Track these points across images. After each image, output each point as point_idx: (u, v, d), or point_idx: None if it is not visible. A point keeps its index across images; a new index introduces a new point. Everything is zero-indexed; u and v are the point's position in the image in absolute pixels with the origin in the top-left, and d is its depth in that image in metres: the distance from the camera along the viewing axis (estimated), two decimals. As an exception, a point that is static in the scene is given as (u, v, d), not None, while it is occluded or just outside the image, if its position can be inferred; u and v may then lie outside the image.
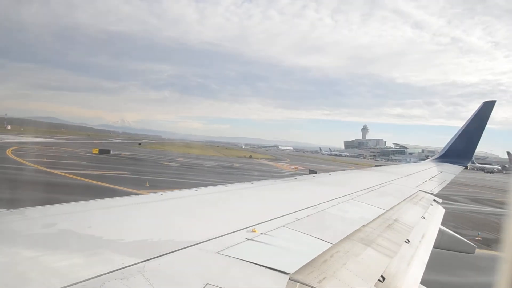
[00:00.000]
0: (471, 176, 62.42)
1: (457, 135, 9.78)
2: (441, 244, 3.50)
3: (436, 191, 5.22)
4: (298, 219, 2.18)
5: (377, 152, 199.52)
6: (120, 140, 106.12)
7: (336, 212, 2.63)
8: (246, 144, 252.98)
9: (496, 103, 9.36)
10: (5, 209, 1.73)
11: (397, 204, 3.46)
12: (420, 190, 4.81)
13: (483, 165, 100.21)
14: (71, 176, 20.35)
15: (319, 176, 5.20)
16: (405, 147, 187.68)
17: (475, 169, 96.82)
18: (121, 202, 2.16)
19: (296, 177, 4.66)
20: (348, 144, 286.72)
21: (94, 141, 78.98)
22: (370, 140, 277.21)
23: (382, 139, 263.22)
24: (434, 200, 4.43)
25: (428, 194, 4.74)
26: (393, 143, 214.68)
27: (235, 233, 1.72)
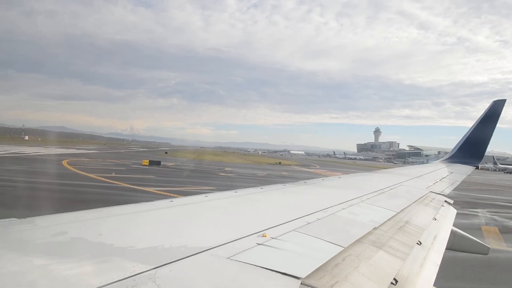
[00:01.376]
0: (493, 177, 62.65)
1: (467, 135, 9.57)
2: (454, 245, 3.43)
3: (447, 192, 5.15)
4: (309, 223, 2.15)
5: (393, 155, 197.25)
6: (139, 149, 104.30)
7: (346, 215, 2.59)
8: (262, 150, 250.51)
9: (507, 102, 9.08)
10: (16, 219, 1.70)
11: (408, 206, 3.41)
12: (431, 191, 4.75)
13: (505, 166, 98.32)
14: (170, 194, 18.48)
15: (328, 180, 5.09)
16: (420, 149, 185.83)
17: (497, 170, 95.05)
18: (131, 209, 2.12)
19: (306, 181, 4.54)
20: (361, 147, 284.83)
21: (121, 150, 78.86)
22: (383, 142, 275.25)
23: (395, 142, 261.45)
24: (446, 201, 4.35)
25: (439, 195, 4.66)
26: (408, 145, 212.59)
27: (246, 238, 1.69)
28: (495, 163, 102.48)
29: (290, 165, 65.57)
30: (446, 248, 2.65)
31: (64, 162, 34.10)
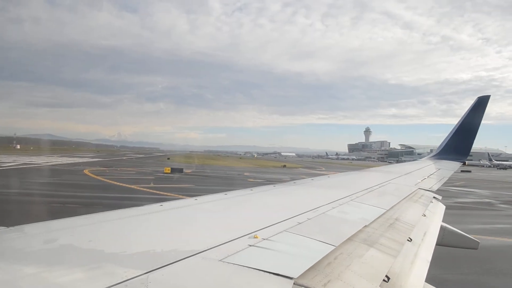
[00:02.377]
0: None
1: (453, 132, 9.69)
2: (444, 240, 3.44)
3: (435, 188, 5.18)
4: (300, 223, 2.15)
5: (385, 154, 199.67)
6: (136, 155, 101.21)
7: (337, 214, 2.60)
8: (255, 153, 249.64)
9: (491, 98, 9.26)
10: (5, 227, 1.67)
11: (397, 203, 3.43)
12: (419, 188, 4.79)
13: (499, 162, 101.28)
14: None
15: (317, 179, 5.09)
16: (412, 148, 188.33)
17: (492, 166, 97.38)
18: (122, 214, 2.10)
19: (295, 181, 4.56)
20: (352, 148, 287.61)
21: (123, 158, 76.94)
22: (374, 142, 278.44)
23: (386, 141, 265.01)
24: (434, 197, 4.39)
25: (427, 191, 4.71)
26: (399, 144, 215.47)
27: (237, 240, 1.68)
28: (490, 160, 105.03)
29: (296, 167, 65.13)
30: (436, 244, 2.67)
31: (87, 172, 32.87)
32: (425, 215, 3.30)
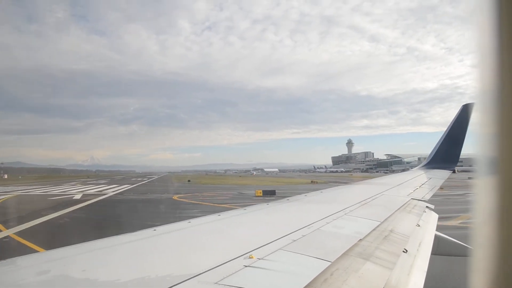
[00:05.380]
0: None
1: (441, 140, 9.87)
2: (438, 250, 3.43)
3: (427, 197, 5.23)
4: (294, 240, 2.15)
5: (374, 165, 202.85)
6: (137, 178, 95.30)
7: (331, 229, 2.60)
8: (233, 171, 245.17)
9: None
10: None
11: (391, 215, 3.45)
12: (412, 198, 4.82)
13: None
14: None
15: (310, 195, 5.08)
16: (398, 157, 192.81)
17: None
18: (114, 242, 2.08)
19: (288, 198, 4.54)
20: (336, 160, 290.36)
21: (139, 179, 70.18)
22: (358, 153, 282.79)
23: (370, 151, 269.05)
24: (427, 206, 4.41)
25: (420, 201, 4.73)
26: (385, 154, 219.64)
27: (233, 261, 1.68)
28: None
29: (326, 182, 63.02)
30: (431, 254, 2.62)
31: (188, 200, 28.42)
32: (419, 225, 3.28)
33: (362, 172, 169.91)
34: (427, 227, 3.36)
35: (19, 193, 37.41)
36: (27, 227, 15.40)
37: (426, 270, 2.21)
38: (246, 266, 1.61)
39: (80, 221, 17.90)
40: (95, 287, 1.35)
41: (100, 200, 29.31)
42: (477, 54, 0.85)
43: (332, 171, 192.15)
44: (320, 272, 1.61)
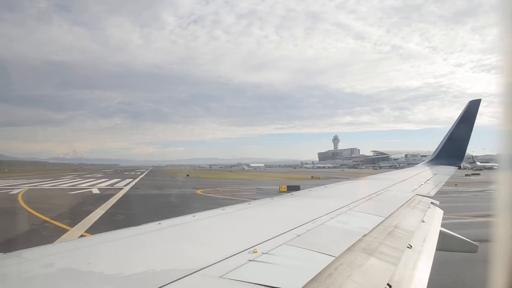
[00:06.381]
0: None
1: (447, 136, 9.84)
2: (443, 246, 3.44)
3: (432, 193, 5.19)
4: (299, 235, 2.14)
5: (361, 161, 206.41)
6: (130, 173, 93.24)
7: (335, 225, 2.59)
8: (218, 166, 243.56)
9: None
10: (2, 253, 1.65)
11: (396, 211, 3.42)
12: (417, 194, 4.78)
13: (482, 164, 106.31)
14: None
15: (315, 190, 5.05)
16: (385, 153, 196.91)
17: (473, 168, 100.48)
18: (119, 235, 2.08)
19: (292, 193, 4.56)
20: (323, 156, 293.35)
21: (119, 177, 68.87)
22: (344, 149, 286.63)
23: (356, 148, 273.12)
24: (432, 202, 4.38)
25: (425, 197, 4.69)
26: (371, 151, 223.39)
27: (237, 255, 1.68)
28: (473, 162, 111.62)
29: (327, 178, 63.64)
30: (436, 249, 2.63)
31: (212, 195, 28.22)
32: (423, 221, 3.26)
33: (349, 168, 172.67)
34: (432, 223, 3.35)
35: (28, 186, 36.00)
36: (91, 224, 14.84)
37: (430, 265, 2.22)
38: (250, 261, 1.61)
39: (138, 218, 17.41)
40: (100, 280, 1.35)
41: (125, 195, 28.57)
42: (501, 51, 0.84)
43: (319, 167, 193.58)
44: (324, 267, 1.61)
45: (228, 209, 3.09)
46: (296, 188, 31.77)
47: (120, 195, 27.85)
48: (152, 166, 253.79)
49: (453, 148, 9.78)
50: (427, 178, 6.95)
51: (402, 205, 3.77)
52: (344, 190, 5.60)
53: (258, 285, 1.32)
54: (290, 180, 56.02)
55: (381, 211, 3.22)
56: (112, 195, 27.57)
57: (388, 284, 1.67)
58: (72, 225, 14.55)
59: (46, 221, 15.57)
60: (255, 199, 3.96)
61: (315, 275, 1.49)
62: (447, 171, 8.57)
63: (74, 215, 17.63)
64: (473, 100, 9.45)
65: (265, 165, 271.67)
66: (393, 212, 3.29)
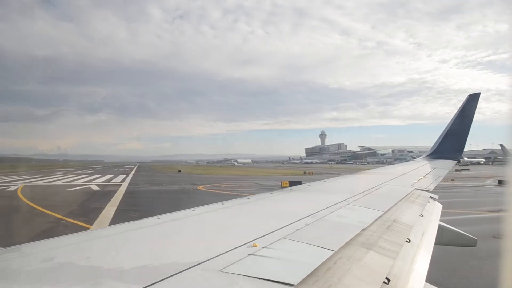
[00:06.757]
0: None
1: (446, 130, 9.74)
2: (442, 240, 3.45)
3: (431, 187, 5.19)
4: (298, 229, 2.15)
5: (348, 156, 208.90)
6: (121, 168, 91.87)
7: (334, 219, 2.60)
8: (206, 161, 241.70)
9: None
10: (2, 248, 1.66)
11: (394, 205, 3.43)
12: (415, 188, 4.79)
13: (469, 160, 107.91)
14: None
15: (314, 184, 5.09)
16: (372, 149, 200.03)
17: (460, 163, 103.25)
18: (118, 229, 2.08)
19: (292, 187, 4.57)
20: (310, 151, 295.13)
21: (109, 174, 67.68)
22: (331, 145, 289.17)
23: (343, 143, 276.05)
24: (431, 197, 4.39)
25: (424, 191, 4.70)
26: (358, 146, 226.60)
27: (236, 250, 1.67)
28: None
29: (321, 173, 64.24)
30: (435, 244, 2.65)
31: (216, 191, 28.23)
32: (422, 215, 3.27)
33: (337, 163, 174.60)
34: (431, 217, 3.36)
35: (22, 183, 35.12)
36: (109, 221, 14.61)
37: (429, 259, 2.23)
38: (249, 255, 1.61)
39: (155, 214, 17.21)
40: (100, 274, 1.36)
41: (128, 191, 28.37)
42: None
43: (307, 162, 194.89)
44: (323, 261, 1.61)
45: (228, 203, 3.08)
46: (298, 183, 32.16)
47: (123, 192, 27.65)
48: (138, 162, 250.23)
49: (452, 142, 9.69)
50: (426, 172, 6.96)
51: (401, 199, 3.77)
52: (343, 185, 5.58)
53: (258, 279, 1.33)
54: (284, 175, 55.95)
55: (380, 205, 3.22)
56: (114, 191, 27.39)
57: (386, 278, 1.68)
58: (88, 222, 14.37)
59: (60, 219, 15.31)
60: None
61: (314, 269, 1.50)
62: (446, 165, 8.54)
63: (86, 212, 17.44)
64: (472, 94, 9.39)
65: (252, 160, 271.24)
66: (392, 206, 3.30)
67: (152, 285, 1.23)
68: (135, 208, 19.00)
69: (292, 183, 31.89)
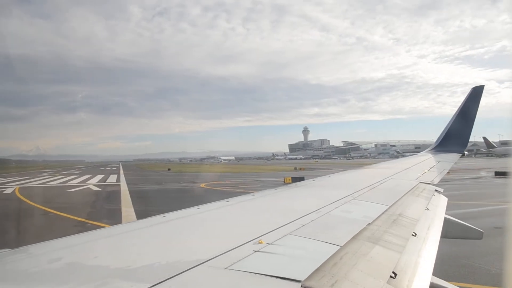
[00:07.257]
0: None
1: (450, 123, 9.71)
2: (448, 233, 3.44)
3: (436, 181, 5.20)
4: (303, 225, 2.16)
5: (332, 151, 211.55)
6: (101, 168, 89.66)
7: (340, 214, 2.61)
8: (189, 159, 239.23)
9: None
10: (9, 249, 1.69)
11: (400, 199, 3.45)
12: (420, 182, 4.80)
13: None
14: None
15: (318, 180, 5.15)
16: (355, 144, 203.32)
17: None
18: (124, 228, 2.12)
19: (296, 183, 4.57)
20: (293, 147, 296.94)
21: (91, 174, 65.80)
22: (315, 140, 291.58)
23: (326, 139, 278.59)
24: (436, 190, 4.39)
25: (429, 185, 4.71)
26: (342, 141, 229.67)
27: (242, 247, 1.69)
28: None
29: (312, 169, 64.68)
30: (441, 237, 2.65)
31: (204, 185, 28.14)
32: (428, 209, 3.26)
33: (321, 159, 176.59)
34: (436, 211, 3.35)
35: (15, 185, 33.68)
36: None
37: (435, 253, 2.22)
38: (255, 251, 1.62)
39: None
40: (107, 273, 1.37)
41: (133, 191, 27.70)
42: None
43: (291, 158, 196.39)
44: (329, 256, 1.62)
45: (232, 200, 3.07)
46: (301, 179, 32.42)
47: (127, 192, 27.01)
48: (119, 161, 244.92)
49: (456, 135, 9.59)
50: (430, 166, 6.92)
51: (406, 193, 3.76)
52: (347, 180, 5.58)
53: (264, 276, 1.33)
54: (276, 172, 56.01)
55: (385, 200, 3.21)
56: (117, 192, 27.00)
57: (393, 272, 1.67)
58: (115, 224, 13.80)
59: (84, 222, 14.78)
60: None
61: (320, 264, 1.49)
62: (450, 159, 8.48)
63: (103, 214, 16.94)
64: (476, 87, 9.28)
65: (235, 157, 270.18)
66: (397, 201, 3.29)
67: (160, 284, 1.23)
68: (154, 208, 18.48)
69: (295, 179, 32.22)
